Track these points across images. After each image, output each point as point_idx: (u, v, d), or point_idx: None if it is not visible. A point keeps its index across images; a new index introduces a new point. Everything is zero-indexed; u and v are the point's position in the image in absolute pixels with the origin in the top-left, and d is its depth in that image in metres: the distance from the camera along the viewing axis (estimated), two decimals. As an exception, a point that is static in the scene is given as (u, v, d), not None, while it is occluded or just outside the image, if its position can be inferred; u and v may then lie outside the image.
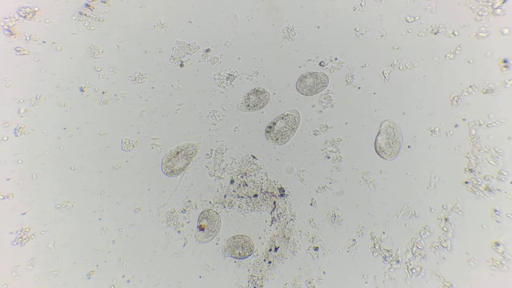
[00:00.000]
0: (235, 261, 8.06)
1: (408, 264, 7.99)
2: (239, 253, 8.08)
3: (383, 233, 8.07)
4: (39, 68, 7.94)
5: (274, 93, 8.05)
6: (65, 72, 8.02)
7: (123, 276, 7.98)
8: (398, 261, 7.98)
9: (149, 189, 8.11)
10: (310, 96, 8.26)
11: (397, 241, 8.06)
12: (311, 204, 7.90)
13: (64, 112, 8.01)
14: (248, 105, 8.16)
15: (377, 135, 8.13)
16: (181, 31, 8.26)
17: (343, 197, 8.20)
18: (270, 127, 8.18)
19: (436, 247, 7.94)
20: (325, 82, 8.26)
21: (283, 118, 8.18)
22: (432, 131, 8.10)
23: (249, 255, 8.11)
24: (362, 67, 8.25)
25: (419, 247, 7.97)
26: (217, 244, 8.15)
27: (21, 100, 7.85)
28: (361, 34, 8.22)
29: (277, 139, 8.18)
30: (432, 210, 8.01)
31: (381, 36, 8.17)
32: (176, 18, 8.27)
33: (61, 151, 7.98)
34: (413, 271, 7.96)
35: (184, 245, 8.11)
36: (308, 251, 8.12)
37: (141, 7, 8.18)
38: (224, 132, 8.32)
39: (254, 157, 8.30)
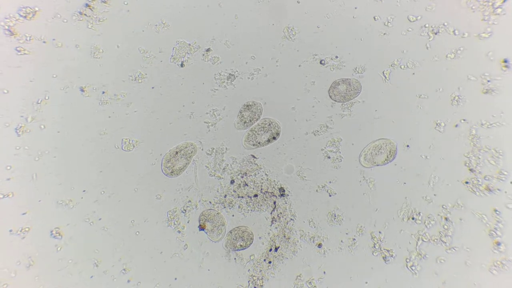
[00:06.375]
0: (235, 256, 8.06)
1: (407, 260, 8.00)
2: (240, 245, 8.08)
3: (380, 232, 8.07)
4: (39, 68, 7.94)
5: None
6: (65, 72, 8.02)
7: (124, 276, 8.02)
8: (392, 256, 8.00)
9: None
10: (340, 103, 8.24)
11: (397, 240, 8.07)
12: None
13: (64, 112, 8.03)
14: (244, 122, 8.18)
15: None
16: (181, 30, 8.26)
17: (343, 197, 8.20)
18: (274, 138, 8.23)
19: (436, 240, 7.94)
20: (358, 89, 8.22)
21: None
22: (432, 130, 8.09)
23: (250, 244, 8.10)
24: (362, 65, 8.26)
25: (424, 239, 7.96)
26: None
27: (22, 100, 7.86)
28: (363, 33, 8.21)
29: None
30: (432, 207, 8.02)
31: (384, 34, 8.15)
32: (177, 18, 8.27)
33: (62, 151, 7.99)
34: (413, 268, 7.96)
35: (185, 248, 8.13)
36: (301, 237, 8.12)
37: (141, 7, 8.17)
38: (224, 132, 8.33)
39: (253, 156, 8.30)
